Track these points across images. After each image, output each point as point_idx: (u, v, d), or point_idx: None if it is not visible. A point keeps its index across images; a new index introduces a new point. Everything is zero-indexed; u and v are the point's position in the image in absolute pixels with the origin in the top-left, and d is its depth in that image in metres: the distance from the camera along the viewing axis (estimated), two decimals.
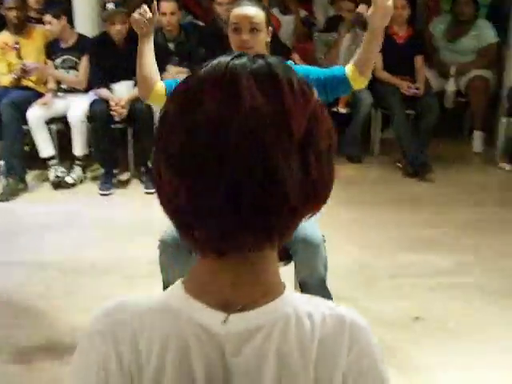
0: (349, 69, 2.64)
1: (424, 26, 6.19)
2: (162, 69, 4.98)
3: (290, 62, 2.93)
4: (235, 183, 0.82)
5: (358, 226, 4.33)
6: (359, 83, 2.67)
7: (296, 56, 5.51)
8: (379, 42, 2.59)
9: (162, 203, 0.90)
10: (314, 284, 2.78)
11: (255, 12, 2.69)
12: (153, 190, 4.79)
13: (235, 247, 0.87)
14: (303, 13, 6.29)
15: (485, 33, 5.76)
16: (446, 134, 5.90)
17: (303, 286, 2.79)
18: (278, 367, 0.88)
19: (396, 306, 3.28)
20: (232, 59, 0.88)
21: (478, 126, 5.83)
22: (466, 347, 2.96)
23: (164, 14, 5.10)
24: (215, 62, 0.88)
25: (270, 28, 2.74)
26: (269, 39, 2.76)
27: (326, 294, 2.79)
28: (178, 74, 5.08)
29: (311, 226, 2.67)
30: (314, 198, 0.88)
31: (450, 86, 5.77)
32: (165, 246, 2.61)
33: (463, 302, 3.37)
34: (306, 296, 0.96)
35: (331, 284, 2.80)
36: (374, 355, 0.92)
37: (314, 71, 2.79)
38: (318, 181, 0.87)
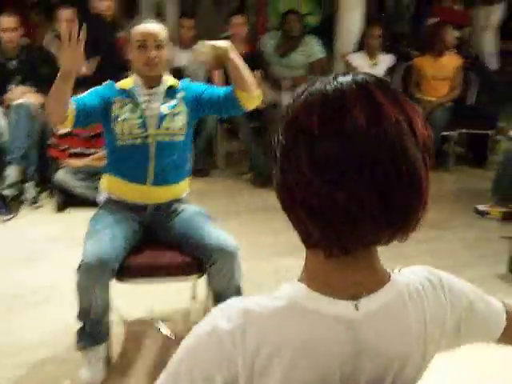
0: (232, 87, 2.80)
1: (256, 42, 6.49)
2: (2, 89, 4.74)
3: (187, 79, 2.99)
4: (386, 186, 0.91)
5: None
6: (246, 99, 2.80)
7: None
8: (235, 63, 2.78)
9: (298, 206, 0.95)
10: (231, 293, 2.79)
11: (159, 29, 2.78)
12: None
13: (365, 244, 0.97)
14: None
15: (313, 49, 6.18)
16: None
17: (219, 297, 2.79)
18: (408, 336, 1.02)
19: None
20: (351, 76, 0.97)
21: None
22: None
23: (4, 30, 4.82)
24: (332, 81, 0.96)
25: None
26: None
27: None
28: (23, 94, 4.84)
29: (225, 234, 2.75)
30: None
31: (284, 99, 6.11)
32: (87, 268, 2.53)
33: None
34: (400, 272, 1.09)
35: None
36: (460, 288, 1.12)
37: (206, 88, 2.90)
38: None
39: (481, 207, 5.17)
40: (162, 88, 2.83)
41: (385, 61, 6.01)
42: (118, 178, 2.84)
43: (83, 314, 2.63)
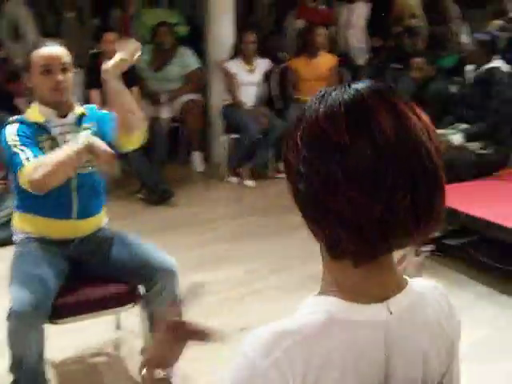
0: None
1: None
2: None
3: (93, 106, 2.83)
4: (417, 194, 0.93)
5: None
6: (125, 141, 2.62)
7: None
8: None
9: (331, 217, 0.94)
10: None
11: (63, 52, 2.62)
12: None
13: (392, 250, 0.99)
14: None
15: (187, 60, 6.10)
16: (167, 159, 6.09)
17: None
18: (428, 333, 1.05)
19: (221, 321, 3.32)
20: (366, 84, 0.97)
21: (195, 146, 6.16)
22: None
23: None
24: (348, 89, 0.96)
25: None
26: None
27: None
28: None
29: (161, 253, 2.72)
30: None
31: (164, 113, 5.98)
32: (19, 316, 2.35)
33: (273, 303, 3.60)
34: (413, 280, 1.10)
35: None
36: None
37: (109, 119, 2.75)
38: None
39: None
40: (74, 117, 2.67)
41: (261, 65, 6.03)
42: (38, 216, 2.66)
43: (16, 365, 2.46)
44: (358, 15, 6.89)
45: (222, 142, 6.06)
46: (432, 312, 1.07)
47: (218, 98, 6.21)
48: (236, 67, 5.90)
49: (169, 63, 6.00)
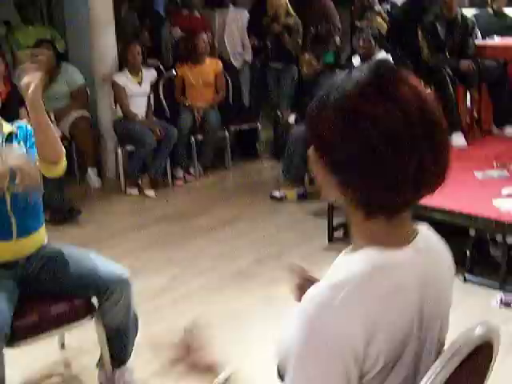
0: None
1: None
2: None
3: (22, 124, 2.76)
4: (438, 152, 1.11)
5: None
6: (45, 169, 2.52)
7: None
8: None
9: (370, 179, 1.09)
10: (130, 321, 2.77)
11: None
12: None
13: (413, 204, 1.16)
14: None
15: (72, 76, 6.00)
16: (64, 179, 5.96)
17: (119, 330, 2.73)
18: (444, 271, 1.26)
19: (163, 327, 3.35)
20: (377, 63, 1.16)
21: (90, 163, 6.07)
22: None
23: None
24: (365, 70, 1.14)
25: None
26: None
27: (136, 329, 2.83)
28: None
29: (112, 263, 2.73)
30: None
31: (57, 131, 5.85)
32: None
33: (205, 303, 3.73)
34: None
35: None
36: None
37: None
38: None
39: (276, 193, 5.50)
40: (1, 136, 2.61)
41: (148, 76, 6.06)
42: None
43: None
44: (232, 20, 7.06)
45: (116, 156, 6.04)
46: (441, 250, 1.27)
47: (106, 111, 6.17)
48: (124, 79, 5.89)
49: (54, 81, 5.87)
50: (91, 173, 6.08)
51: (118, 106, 5.99)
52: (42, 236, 2.77)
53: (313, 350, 1.07)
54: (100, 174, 6.19)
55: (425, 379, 1.14)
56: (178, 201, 5.74)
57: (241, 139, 6.98)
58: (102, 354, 2.80)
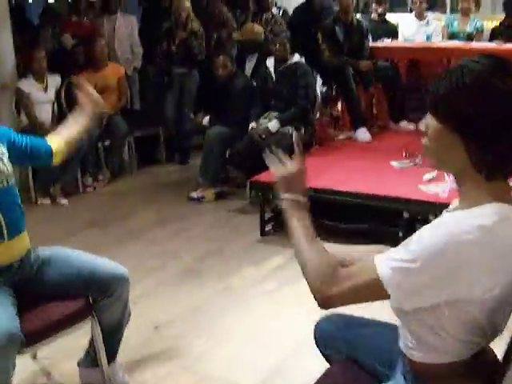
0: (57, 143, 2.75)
1: None
2: None
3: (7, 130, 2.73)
4: None
5: None
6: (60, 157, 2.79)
7: None
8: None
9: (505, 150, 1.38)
10: (125, 317, 2.80)
11: None
12: None
13: None
14: None
15: None
16: None
17: (115, 326, 2.75)
18: None
19: (134, 325, 3.37)
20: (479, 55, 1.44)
21: None
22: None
23: None
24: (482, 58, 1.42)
25: None
26: None
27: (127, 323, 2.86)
28: None
29: (111, 261, 2.73)
30: None
31: None
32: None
33: (167, 299, 3.80)
34: None
35: None
36: None
37: (15, 134, 2.72)
38: None
39: (194, 194, 5.61)
40: None
41: (52, 82, 5.93)
42: None
43: None
44: (120, 26, 7.05)
45: (24, 167, 5.83)
46: None
47: (7, 121, 5.93)
48: (29, 86, 5.73)
49: None
50: None
51: (22, 114, 5.80)
52: (27, 237, 2.69)
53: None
54: None
55: None
56: (93, 207, 5.66)
57: (143, 145, 6.98)
58: (97, 352, 2.76)
